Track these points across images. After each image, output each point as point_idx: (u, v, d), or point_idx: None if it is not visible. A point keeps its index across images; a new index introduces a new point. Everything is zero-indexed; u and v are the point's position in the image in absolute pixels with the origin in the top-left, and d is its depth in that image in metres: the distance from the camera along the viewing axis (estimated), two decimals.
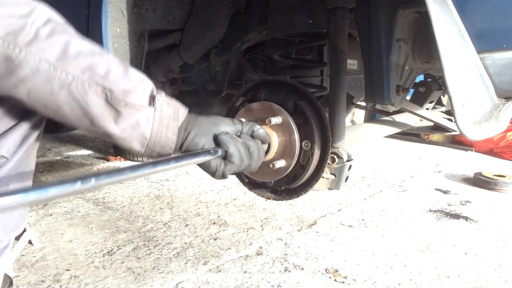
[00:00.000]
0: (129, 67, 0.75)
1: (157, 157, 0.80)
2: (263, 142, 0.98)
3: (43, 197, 0.57)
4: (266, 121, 1.15)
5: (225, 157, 0.85)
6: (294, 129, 1.18)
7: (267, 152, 1.17)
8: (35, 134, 0.80)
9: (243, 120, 1.00)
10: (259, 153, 0.93)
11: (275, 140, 1.18)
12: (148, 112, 0.74)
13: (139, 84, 0.74)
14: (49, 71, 0.65)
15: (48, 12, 0.69)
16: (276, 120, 1.15)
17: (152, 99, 0.75)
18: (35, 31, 0.65)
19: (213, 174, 0.86)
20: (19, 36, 0.63)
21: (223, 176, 0.86)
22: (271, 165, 1.16)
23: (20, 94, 0.66)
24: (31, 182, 0.86)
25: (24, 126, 0.76)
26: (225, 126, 0.88)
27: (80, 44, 0.70)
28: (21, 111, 0.74)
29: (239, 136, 0.90)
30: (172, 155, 0.80)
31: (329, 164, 1.30)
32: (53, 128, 4.80)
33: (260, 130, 0.96)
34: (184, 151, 0.83)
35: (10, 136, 0.74)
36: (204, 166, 0.85)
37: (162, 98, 0.77)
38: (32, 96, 0.67)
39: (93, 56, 0.70)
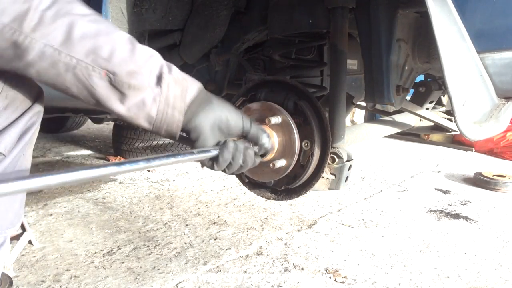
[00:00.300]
0: (136, 45, 0.75)
1: (165, 134, 0.80)
2: (264, 153, 0.99)
3: (62, 181, 0.60)
4: (266, 120, 1.15)
5: (216, 158, 0.86)
6: (294, 129, 1.18)
7: (267, 153, 1.17)
8: (32, 131, 0.81)
9: (253, 121, 0.99)
10: (253, 164, 0.94)
11: (275, 140, 1.18)
12: (153, 92, 0.74)
13: (145, 63, 0.74)
14: (53, 55, 0.67)
15: None
16: (276, 120, 1.15)
17: (159, 78, 0.75)
18: (39, 15, 0.65)
19: (201, 164, 0.89)
20: (24, 21, 0.64)
21: (212, 169, 0.89)
22: (271, 165, 1.16)
23: (31, 75, 0.69)
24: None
25: (21, 124, 0.77)
26: (234, 121, 0.86)
27: (85, 25, 0.69)
28: (18, 109, 0.75)
29: (244, 136, 0.91)
30: (169, 152, 0.80)
31: (329, 164, 1.30)
32: (53, 128, 4.81)
33: (266, 143, 0.96)
34: (186, 132, 0.83)
35: (7, 133, 0.75)
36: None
37: (171, 76, 0.77)
38: (42, 77, 0.69)
39: (97, 38, 0.70)
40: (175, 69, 0.79)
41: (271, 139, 1.03)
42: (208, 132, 0.83)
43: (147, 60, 0.75)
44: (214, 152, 0.84)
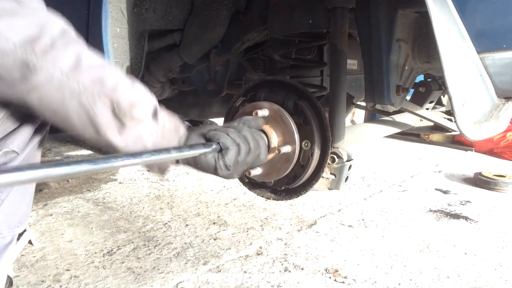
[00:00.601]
0: (135, 81, 0.78)
1: (157, 170, 0.82)
2: (257, 129, 0.99)
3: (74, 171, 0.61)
4: (253, 113, 1.14)
5: (221, 149, 0.84)
6: (294, 129, 1.18)
7: (267, 152, 1.17)
8: (43, 132, 0.85)
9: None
10: (253, 136, 0.91)
11: (275, 140, 1.18)
12: (151, 126, 0.77)
13: (144, 98, 0.77)
14: (62, 79, 0.69)
15: (62, 23, 0.73)
16: (263, 112, 1.15)
17: (155, 114, 0.78)
18: (51, 40, 0.68)
19: (215, 170, 0.85)
20: (36, 44, 0.67)
21: (226, 168, 0.84)
22: (277, 151, 1.16)
23: (32, 101, 0.70)
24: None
25: (33, 124, 0.81)
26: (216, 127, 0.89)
27: (92, 56, 0.73)
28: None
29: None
30: (171, 147, 0.80)
31: (329, 164, 1.30)
32: (53, 128, 4.80)
33: (250, 118, 0.96)
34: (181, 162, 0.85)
35: (21, 132, 0.79)
36: (204, 166, 0.85)
37: (164, 112, 0.80)
38: (44, 102, 0.70)
39: (103, 69, 0.73)
40: (163, 107, 0.83)
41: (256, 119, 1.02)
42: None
43: (145, 95, 0.78)
44: (213, 145, 0.83)
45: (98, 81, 0.72)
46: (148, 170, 0.94)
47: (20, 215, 0.87)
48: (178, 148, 0.79)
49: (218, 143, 0.84)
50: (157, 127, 0.78)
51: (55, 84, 0.68)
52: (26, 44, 0.65)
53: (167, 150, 0.77)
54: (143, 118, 0.76)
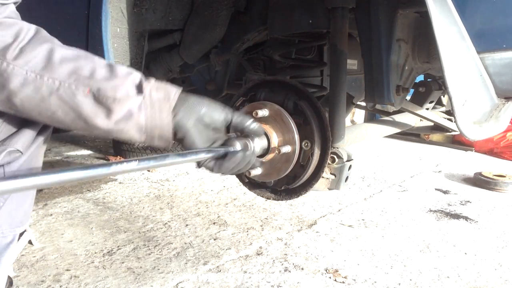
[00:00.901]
0: (114, 64, 0.78)
1: (159, 142, 0.81)
2: (256, 136, 0.99)
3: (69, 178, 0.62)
4: (253, 113, 1.14)
5: (225, 156, 0.87)
6: (294, 129, 1.18)
7: (267, 152, 1.18)
8: (47, 131, 0.85)
9: (236, 111, 1.00)
10: (251, 162, 0.95)
11: (275, 140, 1.18)
12: (137, 100, 0.76)
13: (125, 77, 0.76)
14: (36, 80, 0.70)
15: (34, 28, 0.74)
16: (263, 112, 1.15)
17: (139, 87, 0.77)
18: (22, 45, 0.70)
19: (200, 164, 0.88)
20: (7, 51, 0.69)
21: (211, 171, 0.89)
22: (277, 151, 1.16)
23: (15, 107, 0.71)
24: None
25: (36, 124, 0.81)
26: (215, 112, 0.87)
27: (63, 51, 0.74)
28: None
29: (227, 127, 0.92)
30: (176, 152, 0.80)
31: (329, 164, 1.30)
32: (55, 128, 4.81)
33: (252, 124, 0.95)
34: (178, 138, 0.84)
35: (25, 132, 0.79)
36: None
37: (151, 84, 0.79)
38: (26, 106, 0.71)
39: (77, 60, 0.73)
40: (153, 79, 0.81)
41: (259, 125, 1.02)
42: (193, 128, 0.83)
43: (127, 75, 0.77)
44: (221, 151, 0.86)
45: (73, 72, 0.72)
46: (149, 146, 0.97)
47: (22, 214, 0.88)
48: (192, 152, 0.81)
49: (227, 154, 0.86)
50: (145, 99, 0.77)
51: (31, 86, 0.69)
52: None
53: (182, 154, 0.79)
54: (128, 96, 0.75)
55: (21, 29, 0.71)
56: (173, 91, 0.81)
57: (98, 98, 0.73)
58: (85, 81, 0.72)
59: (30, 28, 0.73)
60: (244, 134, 0.95)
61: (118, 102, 0.74)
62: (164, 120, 0.79)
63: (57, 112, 0.72)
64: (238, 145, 0.89)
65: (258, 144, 0.99)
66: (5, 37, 0.69)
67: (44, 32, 0.76)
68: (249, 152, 0.92)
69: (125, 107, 0.75)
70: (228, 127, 0.93)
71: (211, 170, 0.88)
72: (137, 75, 0.79)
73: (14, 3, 0.77)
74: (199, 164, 0.88)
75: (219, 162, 0.87)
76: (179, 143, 0.85)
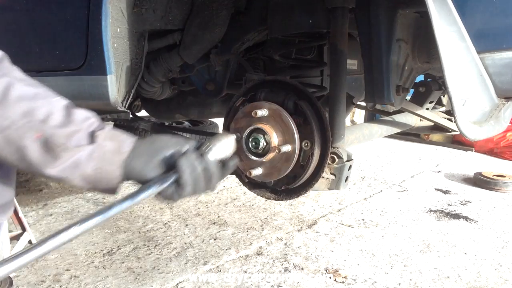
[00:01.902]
0: (73, 108, 0.74)
1: (104, 191, 0.77)
2: (214, 142, 0.85)
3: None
4: (252, 113, 1.14)
5: (178, 182, 0.77)
6: (294, 129, 1.18)
7: (267, 152, 1.18)
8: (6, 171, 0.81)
9: (194, 140, 0.87)
10: (218, 178, 0.82)
11: (275, 140, 1.19)
12: (88, 150, 0.73)
13: (81, 124, 0.73)
14: None
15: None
16: (262, 112, 1.15)
17: (93, 137, 0.74)
18: None
19: (169, 199, 0.79)
20: None
21: (171, 200, 0.79)
22: (277, 150, 1.16)
23: None
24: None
25: None
26: (170, 149, 0.79)
27: (22, 88, 0.70)
28: None
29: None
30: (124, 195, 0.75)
31: (329, 164, 1.30)
32: None
33: (208, 155, 0.81)
34: (132, 180, 0.79)
35: None
36: (161, 195, 0.78)
37: (105, 132, 0.75)
38: None
39: (34, 100, 0.70)
40: (108, 127, 0.77)
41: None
42: (152, 171, 0.77)
43: (83, 121, 0.74)
44: (173, 177, 0.76)
45: (27, 113, 0.68)
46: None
47: (3, 203, 0.85)
48: (141, 191, 0.75)
49: (177, 178, 0.76)
50: (95, 150, 0.73)
51: None
52: None
53: (131, 196, 0.73)
54: (79, 146, 0.72)
55: None
56: (127, 142, 0.77)
57: (47, 145, 0.70)
58: (37, 125, 0.69)
59: None
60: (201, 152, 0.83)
61: (68, 151, 0.71)
62: (112, 174, 0.75)
63: (2, 151, 0.69)
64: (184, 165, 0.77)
65: (219, 148, 0.84)
66: None
67: (6, 63, 0.72)
68: (200, 166, 0.78)
69: (74, 156, 0.71)
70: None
71: (172, 199, 0.78)
72: (93, 123, 0.75)
73: None
74: (162, 197, 0.78)
75: (177, 187, 0.77)
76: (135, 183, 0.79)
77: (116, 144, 0.76)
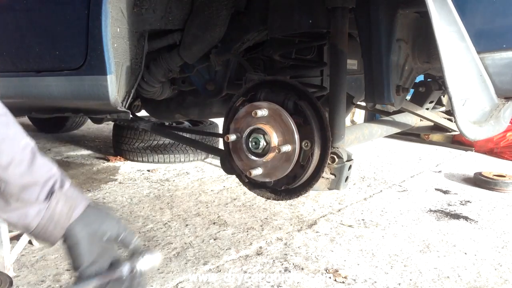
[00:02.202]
0: (38, 158, 0.74)
1: (41, 242, 0.80)
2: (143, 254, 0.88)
3: None
4: (252, 113, 1.15)
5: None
6: (293, 129, 1.18)
7: (267, 152, 1.18)
8: None
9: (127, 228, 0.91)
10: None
11: (275, 140, 1.19)
12: (39, 207, 0.73)
13: (40, 178, 0.74)
14: None
15: None
16: (262, 112, 1.15)
17: (49, 194, 0.74)
18: None
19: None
20: None
21: None
22: (277, 150, 1.16)
23: None
24: None
25: None
26: (109, 227, 0.83)
27: None
28: None
29: (120, 242, 0.86)
30: None
31: (329, 164, 1.30)
32: (53, 128, 4.81)
33: (135, 244, 0.86)
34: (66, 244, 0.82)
35: None
36: None
37: (63, 191, 0.76)
38: None
39: (1, 144, 0.69)
40: (67, 185, 0.78)
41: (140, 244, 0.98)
42: (82, 240, 0.81)
43: (43, 175, 0.74)
44: (106, 280, 0.81)
45: None
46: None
47: None
48: None
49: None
50: (47, 209, 0.74)
51: None
52: None
53: None
54: (32, 200, 0.72)
55: None
56: (79, 207, 0.78)
57: (2, 191, 0.70)
58: None
59: None
60: (130, 251, 0.89)
61: (20, 202, 0.71)
62: (53, 235, 0.77)
63: None
64: (125, 269, 0.84)
65: (148, 263, 0.89)
66: None
67: None
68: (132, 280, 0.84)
69: (25, 209, 0.72)
70: None
71: None
72: (54, 177, 0.76)
73: None
74: None
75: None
76: (67, 250, 0.83)
77: (69, 207, 0.77)
